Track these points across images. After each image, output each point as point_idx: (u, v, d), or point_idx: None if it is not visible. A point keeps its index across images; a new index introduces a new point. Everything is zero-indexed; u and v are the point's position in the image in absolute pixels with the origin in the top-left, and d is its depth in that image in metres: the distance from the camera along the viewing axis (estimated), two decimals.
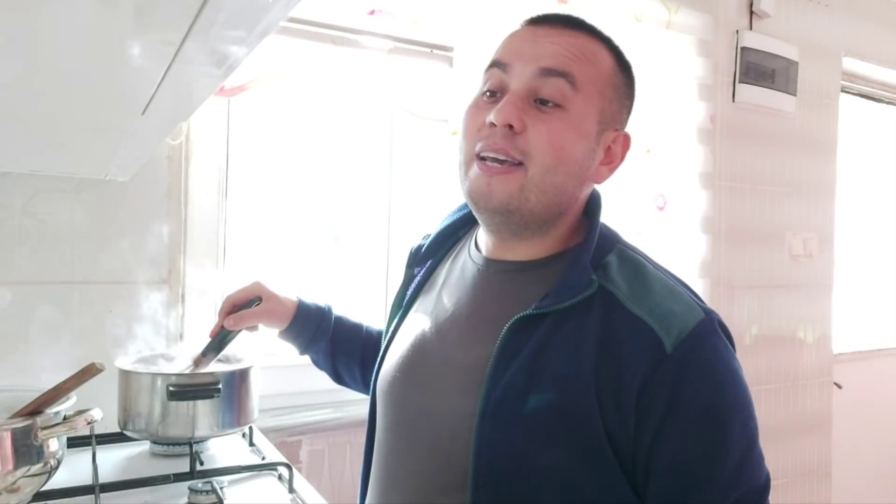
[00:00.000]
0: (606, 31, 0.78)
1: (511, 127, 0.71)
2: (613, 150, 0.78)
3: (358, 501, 0.88)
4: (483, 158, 0.73)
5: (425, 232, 0.96)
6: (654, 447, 0.66)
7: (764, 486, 0.69)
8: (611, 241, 0.78)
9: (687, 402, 0.66)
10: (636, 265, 0.75)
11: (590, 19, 0.77)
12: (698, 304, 0.72)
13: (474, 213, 0.79)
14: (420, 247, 0.94)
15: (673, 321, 0.68)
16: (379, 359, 0.88)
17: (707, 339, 0.69)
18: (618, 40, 0.78)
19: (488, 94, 0.76)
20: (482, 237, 0.82)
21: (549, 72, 0.72)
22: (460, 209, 0.92)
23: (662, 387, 0.65)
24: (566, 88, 0.72)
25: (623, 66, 0.78)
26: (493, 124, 0.72)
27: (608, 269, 0.73)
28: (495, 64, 0.76)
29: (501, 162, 0.72)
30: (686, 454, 0.66)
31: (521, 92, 0.73)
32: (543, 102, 0.72)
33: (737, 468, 0.67)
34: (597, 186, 0.81)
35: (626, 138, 0.79)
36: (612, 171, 0.79)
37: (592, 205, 0.81)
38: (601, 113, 0.75)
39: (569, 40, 0.74)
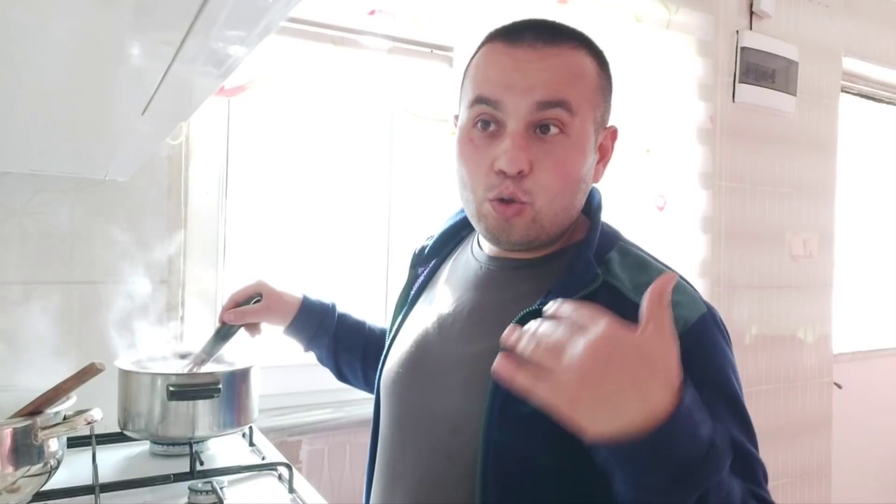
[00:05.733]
0: (590, 30, 0.76)
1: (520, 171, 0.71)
2: (605, 146, 0.79)
3: (363, 498, 0.88)
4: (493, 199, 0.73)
5: (428, 233, 0.97)
6: None
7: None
8: (612, 238, 0.79)
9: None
10: (638, 259, 0.76)
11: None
12: (700, 299, 0.73)
13: (492, 245, 0.79)
14: (423, 248, 0.95)
15: (678, 312, 0.68)
16: (383, 357, 0.88)
17: (709, 332, 0.70)
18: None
19: (480, 125, 0.74)
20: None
21: (545, 104, 0.71)
22: (463, 210, 0.92)
23: None
24: (565, 115, 0.71)
25: (602, 64, 0.77)
26: (502, 171, 0.71)
27: (610, 264, 0.74)
28: (482, 100, 0.73)
29: (511, 202, 0.72)
30: None
31: (521, 129, 0.71)
32: (544, 129, 0.72)
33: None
34: (597, 185, 0.81)
35: (614, 132, 0.80)
36: (605, 165, 0.80)
37: (591, 201, 0.81)
38: (595, 122, 0.75)
39: (556, 62, 0.72)
